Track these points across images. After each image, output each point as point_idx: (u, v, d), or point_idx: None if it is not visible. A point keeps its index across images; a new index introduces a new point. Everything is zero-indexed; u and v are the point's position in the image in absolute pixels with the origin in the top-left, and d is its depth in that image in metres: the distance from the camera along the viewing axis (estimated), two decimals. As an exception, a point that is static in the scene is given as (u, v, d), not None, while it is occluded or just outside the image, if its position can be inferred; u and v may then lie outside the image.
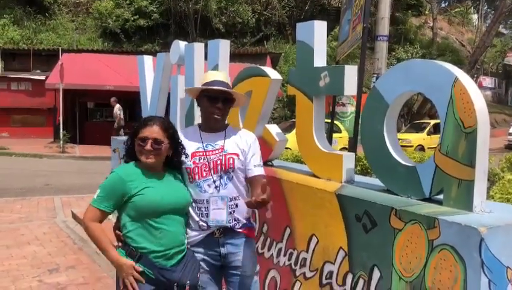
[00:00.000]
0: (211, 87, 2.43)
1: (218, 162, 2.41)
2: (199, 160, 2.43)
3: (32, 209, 7.53)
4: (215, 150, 2.44)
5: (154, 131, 2.30)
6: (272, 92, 3.34)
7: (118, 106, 16.34)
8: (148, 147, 2.27)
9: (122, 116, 16.48)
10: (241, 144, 2.47)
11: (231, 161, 2.42)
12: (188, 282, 2.32)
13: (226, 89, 2.46)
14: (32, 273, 4.61)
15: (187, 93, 2.69)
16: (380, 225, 2.35)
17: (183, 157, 2.43)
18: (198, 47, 4.10)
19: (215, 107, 2.43)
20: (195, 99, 2.61)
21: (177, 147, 2.39)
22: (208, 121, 2.50)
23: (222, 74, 2.59)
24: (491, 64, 34.95)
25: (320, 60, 2.99)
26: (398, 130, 20.01)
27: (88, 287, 4.30)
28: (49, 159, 14.79)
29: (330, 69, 2.91)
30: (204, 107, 2.48)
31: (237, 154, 2.44)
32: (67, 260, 5.02)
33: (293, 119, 14.74)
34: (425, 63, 2.40)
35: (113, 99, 16.55)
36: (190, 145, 2.46)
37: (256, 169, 2.48)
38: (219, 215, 2.40)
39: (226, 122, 2.63)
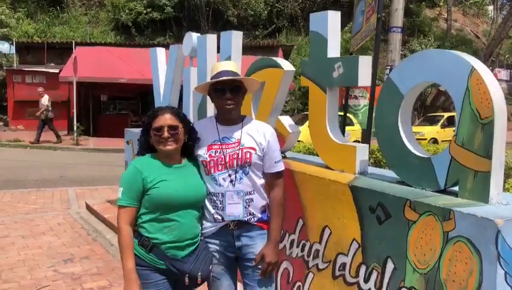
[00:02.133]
0: (215, 80, 2.37)
1: (235, 156, 2.37)
2: (215, 153, 2.39)
3: (47, 200, 7.63)
4: (231, 144, 2.40)
5: (167, 118, 2.30)
6: (284, 84, 3.32)
7: (46, 96, 15.50)
8: (166, 134, 2.27)
9: (50, 107, 15.44)
10: (259, 138, 2.41)
11: (248, 155, 2.38)
12: (200, 274, 2.31)
13: (229, 77, 2.36)
14: (48, 263, 4.68)
15: (197, 92, 2.61)
16: (394, 216, 2.34)
17: (195, 152, 2.43)
18: (211, 39, 4.09)
19: (225, 98, 2.37)
20: (208, 96, 2.55)
21: (190, 130, 2.40)
22: (222, 114, 2.45)
23: (229, 63, 2.50)
24: (506, 56, 34.35)
25: (334, 50, 2.97)
26: (412, 123, 19.87)
27: (102, 277, 4.35)
28: (63, 152, 14.95)
29: (344, 59, 2.88)
30: (215, 101, 2.45)
31: (254, 149, 2.39)
32: (81, 251, 5.08)
33: (305, 112, 14.67)
34: (441, 53, 2.36)
35: (40, 89, 15.69)
36: (206, 138, 2.43)
37: (278, 165, 2.45)
38: (235, 209, 2.39)
39: (242, 113, 2.57)
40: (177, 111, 2.40)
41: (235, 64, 2.51)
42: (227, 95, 2.37)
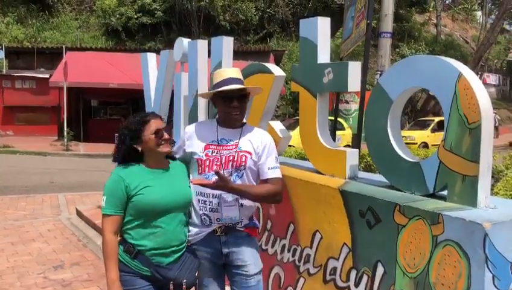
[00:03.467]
0: (225, 88, 2.37)
1: (231, 158, 2.38)
2: (212, 153, 2.41)
3: (36, 206, 7.56)
4: (228, 146, 2.41)
5: (160, 122, 2.38)
6: (275, 89, 3.34)
7: None
8: (166, 135, 2.34)
9: None
10: (256, 144, 2.42)
11: (243, 159, 2.39)
12: (185, 281, 2.31)
13: (240, 86, 2.39)
14: (38, 270, 4.64)
15: (201, 97, 2.64)
16: (384, 220, 2.36)
17: (191, 149, 2.46)
18: (202, 44, 4.09)
19: (232, 107, 2.38)
20: (209, 100, 2.58)
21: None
22: (227, 121, 2.46)
23: (233, 70, 2.50)
24: (495, 61, 34.77)
25: (323, 56, 2.99)
26: (402, 128, 19.96)
27: (93, 283, 4.32)
28: (53, 157, 14.85)
29: (334, 65, 2.91)
30: (221, 108, 2.44)
31: (250, 153, 2.40)
32: (71, 257, 5.04)
33: (297, 117, 14.71)
34: (429, 58, 2.39)
35: None
36: (205, 138, 2.45)
37: (271, 172, 2.42)
38: (231, 212, 2.39)
39: None
40: (161, 116, 2.49)
41: (238, 71, 2.51)
42: (235, 103, 2.38)
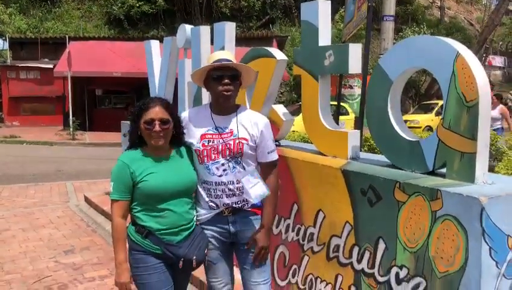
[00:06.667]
0: (216, 64, 2.39)
1: (227, 146, 2.41)
2: (208, 142, 2.43)
3: (45, 194, 7.69)
4: (225, 134, 2.43)
5: (158, 111, 2.32)
6: (277, 73, 3.39)
7: None
8: (157, 128, 2.29)
9: None
10: (252, 129, 2.44)
11: (240, 146, 2.41)
12: (195, 257, 2.38)
13: (229, 62, 2.40)
14: (49, 255, 4.76)
15: (194, 82, 2.62)
16: (385, 198, 2.42)
17: (188, 140, 2.47)
18: (204, 30, 4.14)
19: (223, 84, 2.38)
20: (204, 86, 2.56)
21: (177, 122, 2.43)
22: (218, 102, 2.45)
23: (225, 52, 2.52)
24: (500, 43, 34.45)
25: (325, 39, 3.03)
26: (406, 112, 19.95)
27: (102, 266, 4.43)
28: (60, 146, 14.98)
29: (335, 48, 2.95)
30: (212, 88, 2.44)
31: (246, 139, 2.43)
32: (81, 242, 5.16)
33: (300, 103, 14.76)
34: (427, 38, 2.44)
35: None
36: (200, 127, 2.47)
37: (270, 155, 2.48)
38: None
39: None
40: (167, 103, 2.40)
41: (230, 54, 2.54)
42: (226, 80, 2.37)
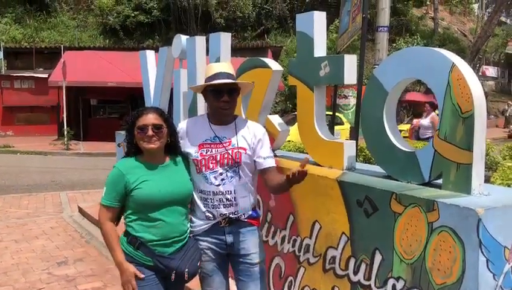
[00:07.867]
0: (214, 82, 2.40)
1: (226, 155, 2.41)
2: (206, 152, 2.42)
3: (39, 204, 7.62)
4: (223, 143, 2.43)
5: (151, 118, 2.35)
6: (273, 83, 3.39)
7: None
8: (150, 132, 2.31)
9: None
10: (250, 138, 2.45)
11: (238, 155, 2.41)
12: (187, 270, 2.36)
13: (230, 80, 2.41)
14: (42, 266, 4.70)
15: (192, 90, 2.63)
16: (381, 209, 2.41)
17: (185, 149, 2.47)
18: (200, 40, 4.14)
19: (222, 101, 2.39)
20: (201, 94, 2.57)
21: (173, 132, 2.44)
22: (216, 115, 2.47)
23: (225, 65, 2.52)
24: (493, 53, 34.73)
25: (320, 50, 3.04)
26: (401, 122, 20.01)
27: (96, 278, 4.38)
28: (54, 156, 14.90)
29: (330, 58, 2.96)
30: (211, 102, 2.45)
31: (245, 149, 2.43)
32: (75, 253, 5.10)
33: (295, 113, 14.76)
34: (422, 50, 2.45)
35: None
36: (198, 136, 2.46)
37: (267, 161, 2.46)
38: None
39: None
40: (161, 111, 2.44)
41: (229, 66, 2.53)
42: (225, 97, 2.39)
